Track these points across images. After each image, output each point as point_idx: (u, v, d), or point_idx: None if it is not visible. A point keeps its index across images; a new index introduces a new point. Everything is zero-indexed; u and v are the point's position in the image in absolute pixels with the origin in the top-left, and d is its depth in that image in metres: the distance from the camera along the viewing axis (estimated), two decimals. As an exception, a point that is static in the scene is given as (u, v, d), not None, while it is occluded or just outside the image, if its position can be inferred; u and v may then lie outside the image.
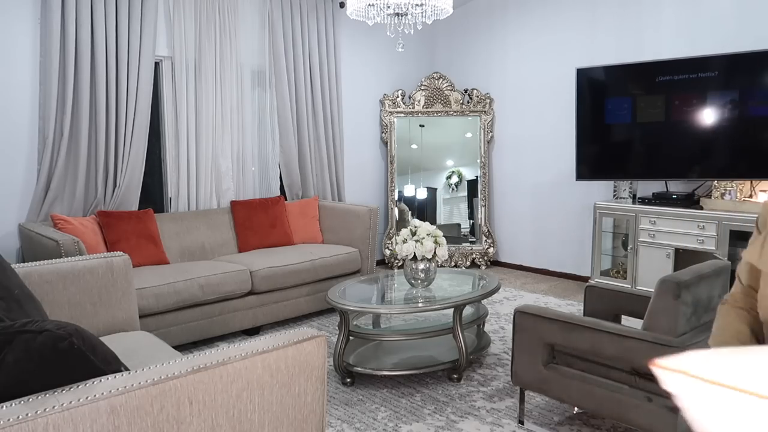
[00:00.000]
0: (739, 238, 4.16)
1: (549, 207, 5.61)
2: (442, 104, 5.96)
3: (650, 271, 4.40)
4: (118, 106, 4.13)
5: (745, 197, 4.28)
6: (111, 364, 1.39)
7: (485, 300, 3.58)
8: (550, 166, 5.54)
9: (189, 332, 3.72)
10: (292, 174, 5.25)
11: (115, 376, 1.32)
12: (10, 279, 1.92)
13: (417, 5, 3.82)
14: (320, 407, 1.64)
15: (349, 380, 3.23)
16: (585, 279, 4.93)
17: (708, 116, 4.36)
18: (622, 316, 2.93)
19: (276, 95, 5.12)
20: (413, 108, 5.96)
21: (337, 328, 3.47)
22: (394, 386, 3.19)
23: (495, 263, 6.02)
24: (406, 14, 3.90)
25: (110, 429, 1.25)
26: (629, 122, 4.90)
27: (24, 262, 3.21)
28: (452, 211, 6.13)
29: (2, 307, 1.62)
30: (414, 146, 6.03)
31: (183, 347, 3.67)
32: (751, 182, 4.27)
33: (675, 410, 2.19)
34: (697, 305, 2.27)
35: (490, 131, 5.96)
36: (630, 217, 4.64)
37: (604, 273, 4.94)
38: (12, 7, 3.82)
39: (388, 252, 5.94)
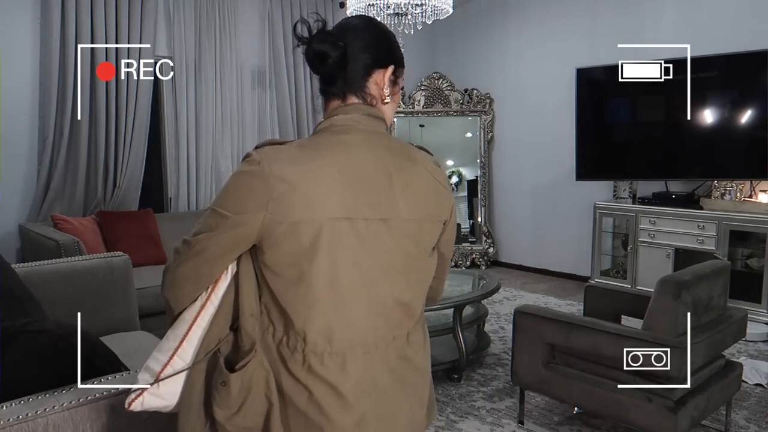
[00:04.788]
0: (739, 238, 4.16)
1: (549, 207, 5.61)
2: (442, 104, 5.96)
3: (650, 271, 4.40)
4: (118, 106, 4.13)
5: (745, 197, 4.28)
6: (111, 364, 1.39)
7: (485, 300, 3.58)
8: (550, 166, 5.53)
9: (189, 332, 3.71)
10: (292, 174, 5.24)
11: (115, 376, 1.32)
12: (10, 279, 1.92)
13: (417, 5, 3.82)
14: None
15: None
16: (585, 279, 4.92)
17: (708, 116, 4.36)
18: (622, 316, 2.93)
19: (276, 95, 5.11)
20: (413, 108, 5.96)
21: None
22: (394, 386, 3.18)
23: (495, 263, 6.02)
24: (406, 14, 3.90)
25: (110, 429, 1.25)
26: (629, 122, 4.90)
27: (24, 262, 3.21)
28: (452, 211, 6.12)
29: (2, 307, 1.62)
30: (414, 146, 6.03)
31: (183, 347, 3.66)
32: (751, 182, 4.27)
33: (675, 410, 2.19)
34: (697, 305, 2.27)
35: (490, 131, 5.95)
36: (630, 217, 4.64)
37: (604, 273, 4.94)
38: (12, 7, 3.81)
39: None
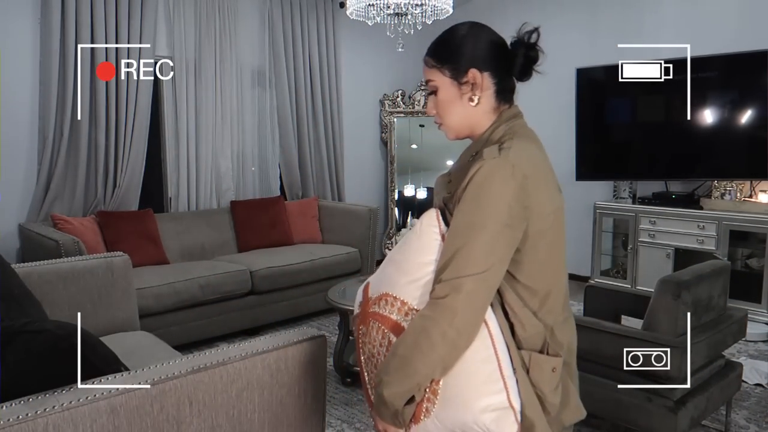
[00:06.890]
0: (739, 238, 4.16)
1: (549, 207, 5.60)
2: (442, 104, 5.95)
3: (650, 271, 4.40)
4: (118, 106, 4.13)
5: (745, 197, 4.28)
6: (111, 364, 1.39)
7: (485, 300, 3.57)
8: (550, 166, 5.52)
9: (189, 332, 3.72)
10: (292, 174, 5.25)
11: (115, 376, 1.32)
12: (10, 279, 1.92)
13: (417, 5, 3.82)
14: (320, 407, 1.64)
15: (349, 380, 3.22)
16: (585, 279, 4.92)
17: (708, 116, 4.36)
18: (622, 316, 2.93)
19: (276, 95, 5.11)
20: (413, 108, 5.96)
21: (337, 328, 3.47)
22: (394, 386, 3.17)
23: (495, 263, 6.00)
24: (406, 14, 3.90)
25: (110, 429, 1.25)
26: (629, 122, 4.90)
27: (24, 262, 3.21)
28: (452, 211, 6.12)
29: (2, 307, 1.62)
30: (414, 146, 6.03)
31: (183, 347, 3.66)
32: (751, 182, 4.27)
33: (675, 410, 2.19)
34: (697, 305, 2.27)
35: (490, 131, 5.94)
36: (630, 217, 4.64)
37: (604, 273, 4.94)
38: (12, 7, 3.81)
39: (387, 252, 5.93)
